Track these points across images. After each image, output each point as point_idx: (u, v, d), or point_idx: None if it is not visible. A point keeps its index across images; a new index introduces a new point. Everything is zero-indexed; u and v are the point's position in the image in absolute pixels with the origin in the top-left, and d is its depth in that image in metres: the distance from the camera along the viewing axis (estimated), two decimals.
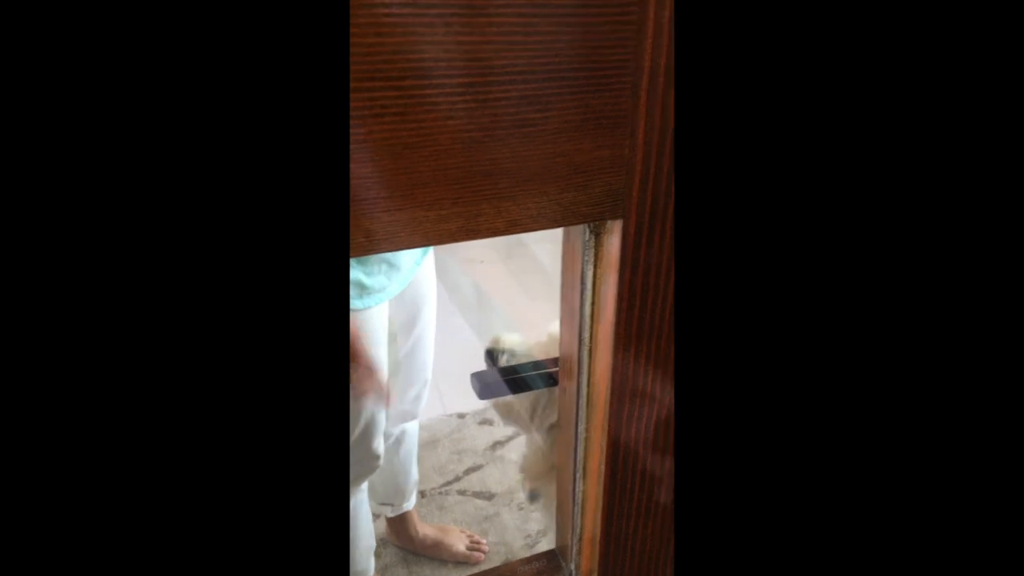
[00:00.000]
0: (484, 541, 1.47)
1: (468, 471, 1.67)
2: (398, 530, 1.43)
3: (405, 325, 1.17)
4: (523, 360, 0.55)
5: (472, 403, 1.82)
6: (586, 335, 0.38)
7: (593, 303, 0.37)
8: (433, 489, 1.62)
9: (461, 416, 1.82)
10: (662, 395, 0.39)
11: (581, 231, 0.36)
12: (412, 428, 1.31)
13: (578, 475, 0.43)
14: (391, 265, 0.98)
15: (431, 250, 1.14)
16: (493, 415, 1.83)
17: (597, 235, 0.35)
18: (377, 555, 1.33)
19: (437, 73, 0.26)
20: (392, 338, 1.15)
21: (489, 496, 1.61)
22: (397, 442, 1.29)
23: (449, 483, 1.64)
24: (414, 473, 1.36)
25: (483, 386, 0.48)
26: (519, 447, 1.73)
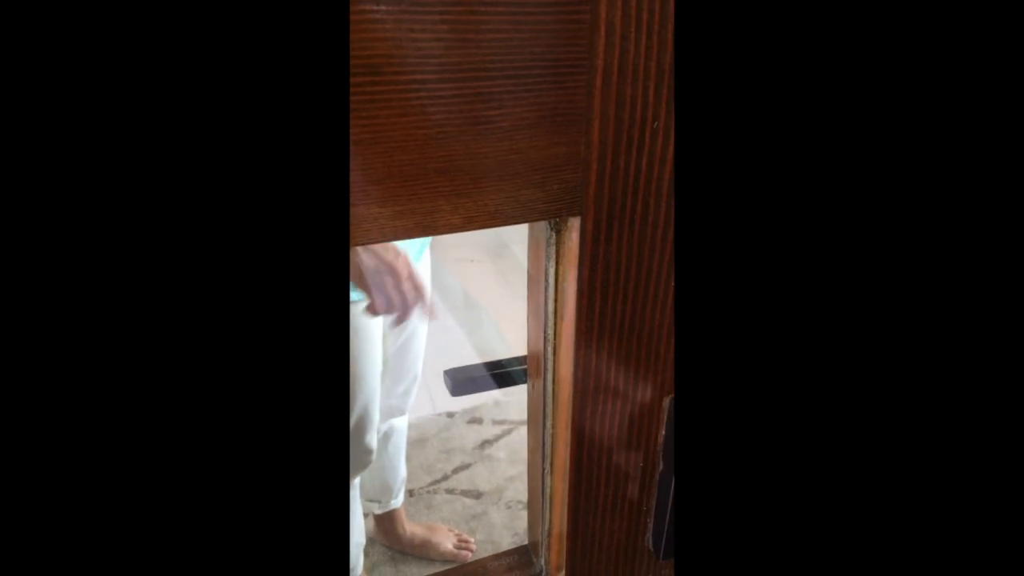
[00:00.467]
0: (472, 539, 1.47)
1: (456, 470, 1.67)
2: (386, 529, 1.43)
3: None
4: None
5: (461, 402, 1.82)
6: (550, 332, 0.38)
7: (556, 300, 0.37)
8: (421, 488, 1.62)
9: (450, 415, 1.82)
10: (627, 391, 0.39)
11: (544, 228, 0.36)
12: (400, 424, 1.31)
13: (546, 471, 0.43)
14: None
15: (428, 248, 1.14)
16: (482, 414, 1.83)
17: (558, 232, 0.35)
18: (365, 554, 1.33)
19: (389, 70, 0.27)
20: (384, 333, 1.14)
21: (477, 495, 1.61)
22: (385, 437, 1.29)
23: (437, 482, 1.64)
24: (402, 470, 1.36)
25: (455, 383, 0.49)
26: (507, 446, 1.74)
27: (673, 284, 0.37)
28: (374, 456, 1.18)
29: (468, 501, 1.60)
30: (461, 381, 0.48)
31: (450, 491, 1.63)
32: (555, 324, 0.38)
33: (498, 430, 1.79)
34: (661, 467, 0.42)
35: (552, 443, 0.42)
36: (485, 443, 1.76)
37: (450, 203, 0.30)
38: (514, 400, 1.86)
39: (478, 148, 0.29)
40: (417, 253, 1.05)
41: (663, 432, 0.41)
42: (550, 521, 0.45)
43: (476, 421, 1.81)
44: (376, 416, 1.10)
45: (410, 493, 1.61)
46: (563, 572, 0.44)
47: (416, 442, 1.74)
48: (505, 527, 1.54)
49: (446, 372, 0.49)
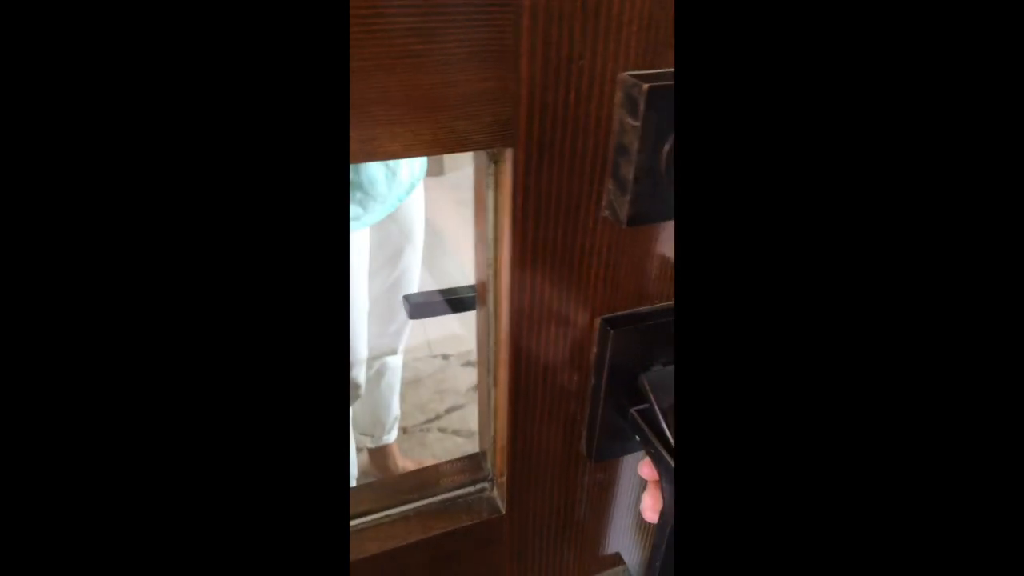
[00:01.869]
0: None
1: (449, 410, 1.74)
2: (379, 463, 1.51)
3: (389, 259, 1.18)
4: None
5: (456, 345, 1.88)
6: (491, 258, 0.42)
7: (495, 227, 0.41)
8: (415, 426, 1.70)
9: (445, 357, 1.88)
10: (560, 312, 0.43)
11: (484, 157, 0.39)
12: (394, 362, 1.35)
13: (491, 387, 0.48)
14: (365, 193, 0.97)
15: (420, 185, 1.13)
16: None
17: (496, 163, 0.38)
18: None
19: None
20: (373, 271, 1.16)
21: (469, 434, 1.68)
22: (378, 374, 1.34)
23: (431, 420, 1.71)
24: (395, 407, 1.42)
25: (413, 307, 0.53)
26: None
27: (602, 214, 0.40)
28: (362, 391, 1.22)
29: (459, 440, 1.68)
30: (418, 304, 0.52)
31: (442, 430, 1.70)
32: (495, 250, 0.41)
33: None
34: (593, 382, 0.46)
35: (495, 361, 0.46)
36: None
37: (387, 131, 0.33)
38: None
39: (412, 80, 0.32)
40: (400, 193, 1.06)
41: (595, 350, 0.45)
42: (495, 431, 0.49)
43: (470, 364, 1.87)
44: (363, 352, 1.13)
45: (404, 430, 1.68)
46: (506, 475, 0.49)
47: (411, 382, 1.80)
48: None
49: (404, 297, 0.53)
